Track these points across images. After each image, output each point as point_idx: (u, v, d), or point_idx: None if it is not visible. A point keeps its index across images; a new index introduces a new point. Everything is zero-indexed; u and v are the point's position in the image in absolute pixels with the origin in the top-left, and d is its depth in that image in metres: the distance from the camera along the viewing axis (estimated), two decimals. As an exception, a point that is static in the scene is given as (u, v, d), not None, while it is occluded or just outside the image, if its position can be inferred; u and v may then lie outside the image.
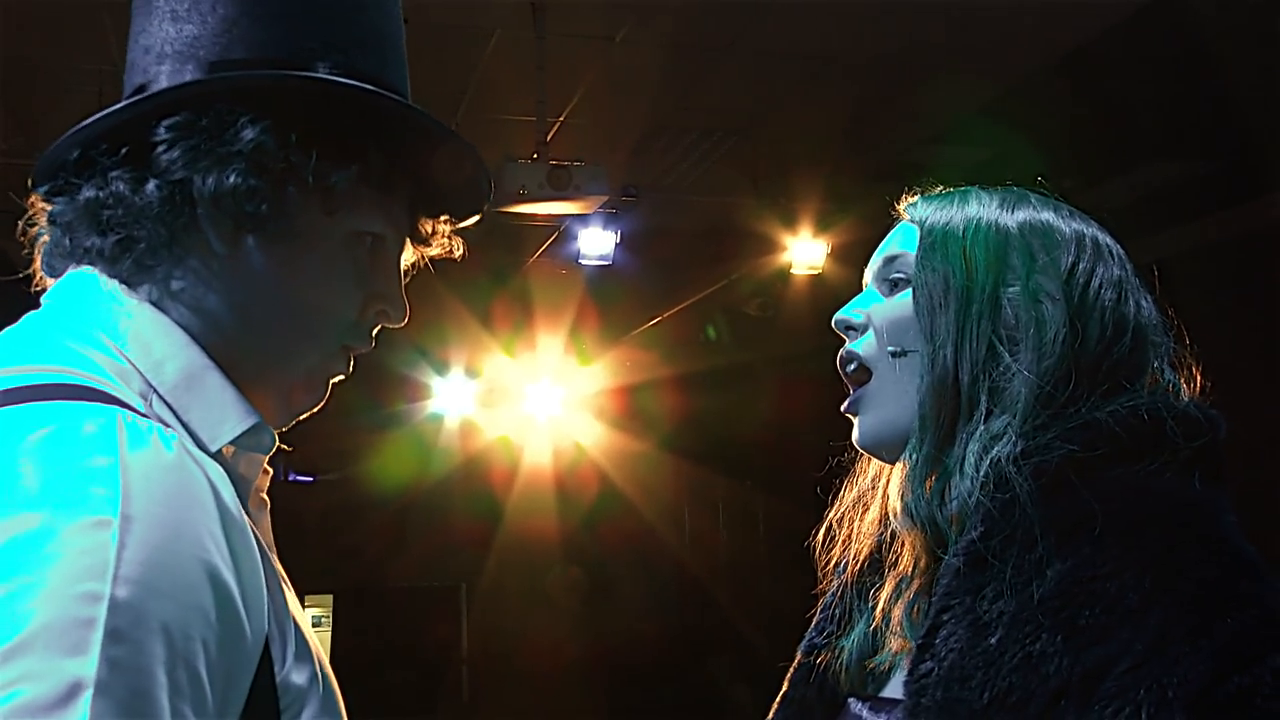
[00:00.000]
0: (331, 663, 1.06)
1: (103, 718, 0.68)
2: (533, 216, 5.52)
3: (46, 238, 1.03)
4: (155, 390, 0.93)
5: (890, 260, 1.20)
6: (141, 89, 1.01)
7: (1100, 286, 1.13)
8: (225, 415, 0.95)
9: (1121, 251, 1.19)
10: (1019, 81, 5.19)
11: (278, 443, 1.04)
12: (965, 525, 1.04)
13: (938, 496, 1.08)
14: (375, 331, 1.10)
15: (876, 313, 1.19)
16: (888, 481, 1.22)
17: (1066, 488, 1.00)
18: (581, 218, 5.70)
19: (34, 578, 0.71)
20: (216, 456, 0.93)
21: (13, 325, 0.98)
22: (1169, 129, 5.66)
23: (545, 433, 8.92)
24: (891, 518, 1.14)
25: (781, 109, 5.69)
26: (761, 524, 9.64)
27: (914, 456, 1.12)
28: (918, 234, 1.19)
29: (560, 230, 6.44)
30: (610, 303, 7.97)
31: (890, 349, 1.15)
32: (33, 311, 1.00)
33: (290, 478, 8.36)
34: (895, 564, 1.17)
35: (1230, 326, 6.53)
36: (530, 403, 8.62)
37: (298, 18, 1.02)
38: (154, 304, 0.97)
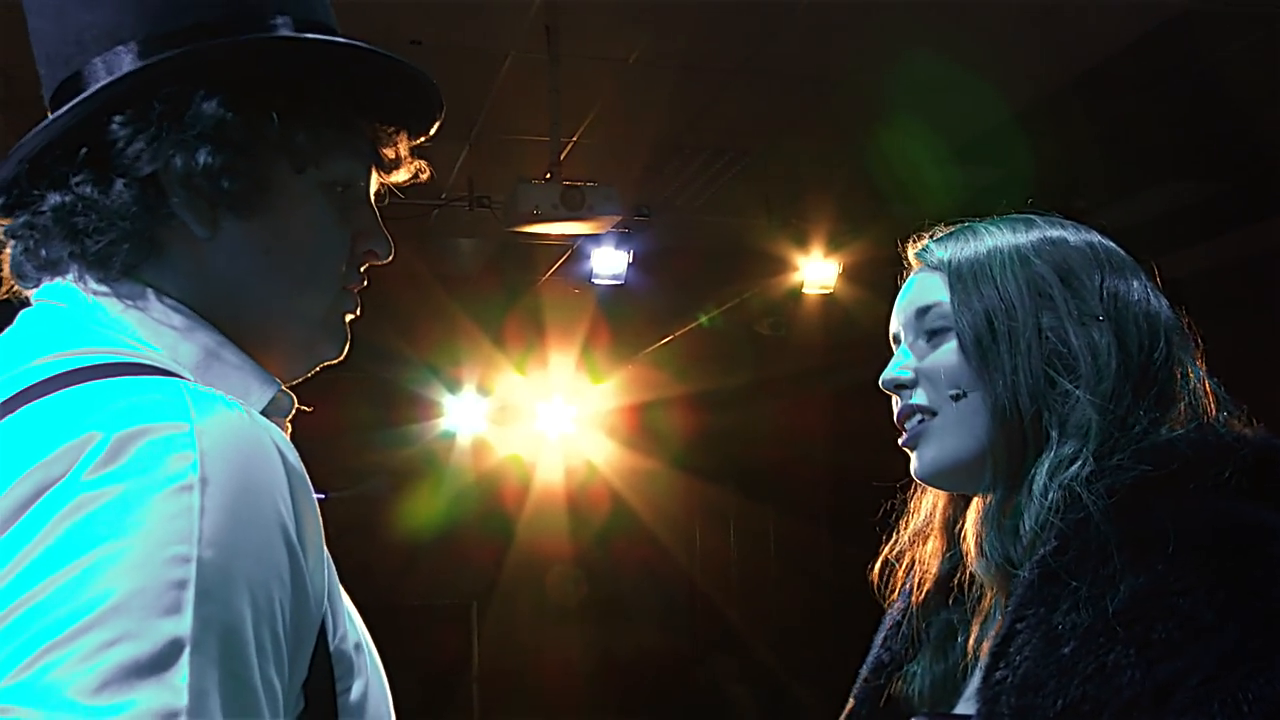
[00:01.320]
0: None
1: (201, 673, 0.69)
2: (545, 236, 5.54)
3: (9, 251, 1.00)
4: (179, 365, 0.93)
5: (924, 311, 1.21)
6: (73, 81, 0.99)
7: (1128, 295, 1.17)
8: (249, 386, 0.96)
9: (1124, 252, 1.24)
10: (1032, 102, 5.20)
11: (296, 404, 1.05)
12: (1037, 547, 1.07)
13: (1011, 535, 1.10)
14: (365, 269, 1.09)
15: (925, 365, 1.20)
16: (944, 513, 1.27)
17: (1139, 506, 1.03)
18: (594, 237, 5.71)
19: (125, 543, 0.72)
20: None
21: (6, 330, 0.97)
22: (1182, 149, 5.67)
23: (557, 451, 8.93)
24: (968, 561, 1.17)
25: (794, 130, 5.71)
26: (772, 542, 9.62)
27: (988, 499, 1.15)
28: (943, 279, 1.20)
29: (573, 249, 6.46)
30: (622, 321, 7.99)
31: (951, 392, 1.17)
32: (24, 314, 0.98)
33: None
34: (965, 592, 1.20)
35: (1244, 346, 6.51)
36: (542, 421, 8.63)
37: None
38: (149, 302, 0.96)
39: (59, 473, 0.75)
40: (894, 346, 1.27)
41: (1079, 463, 1.07)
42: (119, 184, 0.94)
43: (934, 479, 1.22)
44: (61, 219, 0.94)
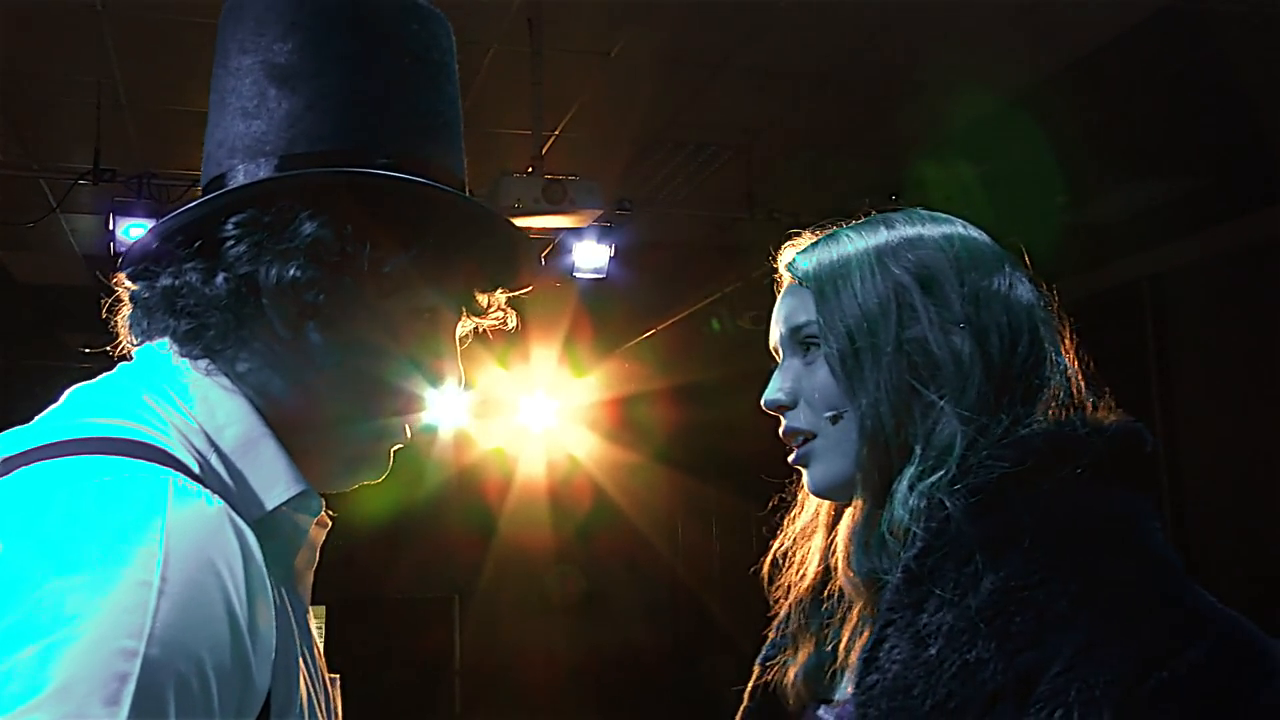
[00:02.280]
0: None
1: None
2: (527, 230, 5.54)
3: (128, 310, 1.12)
4: (217, 449, 1.01)
5: (796, 330, 1.24)
6: (217, 181, 1.10)
7: (990, 294, 1.17)
8: (276, 480, 1.03)
9: (986, 236, 1.24)
10: (1018, 95, 5.22)
11: (324, 507, 1.13)
12: (902, 554, 1.10)
13: (877, 548, 1.13)
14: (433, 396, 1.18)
15: (800, 385, 1.23)
16: (829, 510, 1.30)
17: (997, 504, 1.06)
18: (576, 231, 5.72)
19: (79, 629, 0.77)
20: (274, 513, 1.02)
21: (101, 378, 1.07)
22: (1171, 142, 5.69)
23: (539, 444, 8.93)
24: (836, 572, 1.20)
25: (777, 123, 5.72)
26: (754, 535, 9.63)
27: (856, 514, 1.18)
28: (810, 295, 1.22)
29: (554, 243, 6.46)
30: (604, 315, 7.99)
31: (828, 414, 1.19)
32: (117, 370, 1.08)
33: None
34: (838, 598, 1.24)
35: (1233, 339, 6.56)
36: (524, 414, 8.63)
37: (356, 109, 1.09)
38: (220, 379, 1.05)
39: (34, 548, 0.81)
40: (776, 359, 1.30)
41: (941, 471, 1.09)
42: (220, 277, 1.04)
43: (827, 495, 1.25)
44: (168, 297, 1.06)
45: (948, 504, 1.06)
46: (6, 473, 0.89)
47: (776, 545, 1.35)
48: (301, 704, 1.03)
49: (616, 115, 5.60)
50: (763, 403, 1.26)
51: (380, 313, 1.09)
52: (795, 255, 1.28)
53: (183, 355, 1.06)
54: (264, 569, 0.93)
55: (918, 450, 1.12)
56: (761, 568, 1.36)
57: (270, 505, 1.02)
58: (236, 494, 0.99)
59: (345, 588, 8.40)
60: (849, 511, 1.21)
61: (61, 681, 0.75)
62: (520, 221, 4.97)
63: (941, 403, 1.12)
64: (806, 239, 1.31)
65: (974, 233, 1.24)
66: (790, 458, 1.25)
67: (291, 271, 1.04)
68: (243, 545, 0.90)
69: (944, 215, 1.26)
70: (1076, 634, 0.96)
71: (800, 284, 1.24)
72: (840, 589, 1.22)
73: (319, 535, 1.17)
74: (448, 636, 9.38)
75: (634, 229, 6.34)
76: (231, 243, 1.04)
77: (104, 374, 1.07)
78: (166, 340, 1.07)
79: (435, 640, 9.24)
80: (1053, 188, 5.82)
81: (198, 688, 0.81)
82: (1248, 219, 5.99)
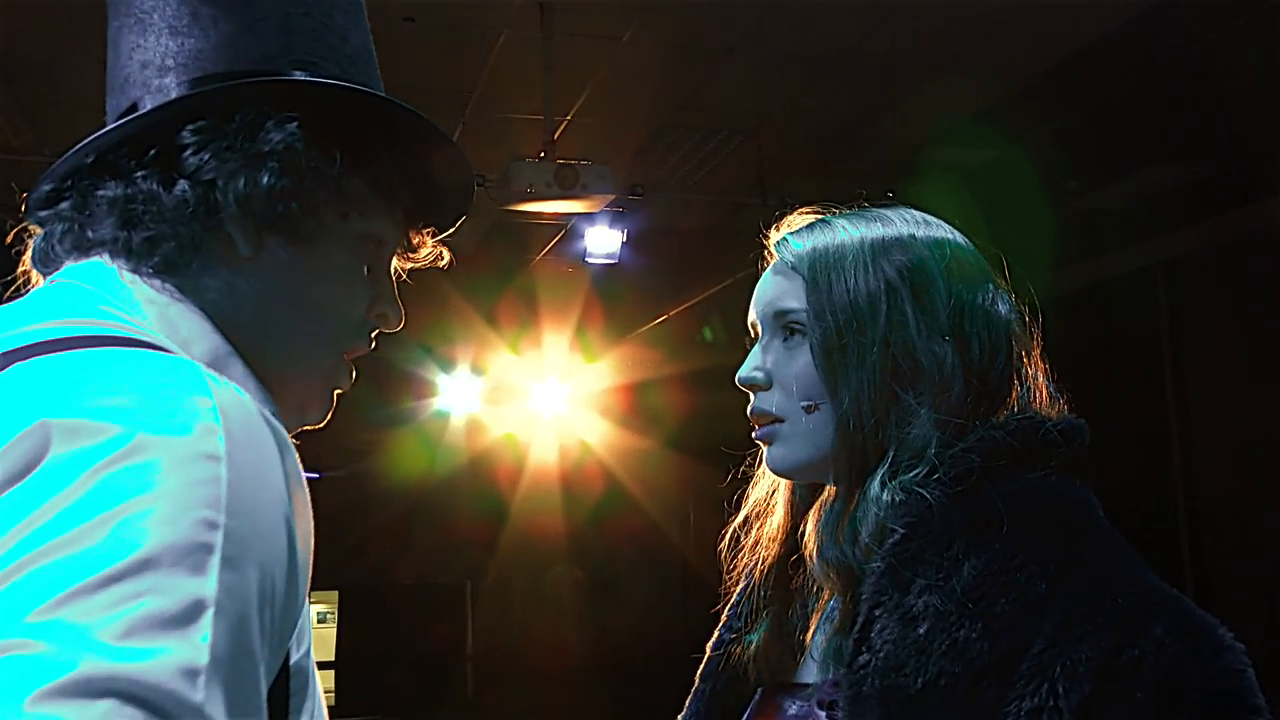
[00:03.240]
0: (336, 659, 1.08)
1: (219, 637, 0.70)
2: (539, 215, 5.54)
3: (40, 231, 1.03)
4: None
5: (782, 314, 1.25)
6: (135, 105, 1.03)
7: (974, 305, 1.20)
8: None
9: (972, 246, 1.27)
10: (1020, 84, 5.20)
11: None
12: (881, 542, 1.13)
13: (850, 540, 1.16)
14: (374, 335, 1.12)
15: (779, 368, 1.25)
16: (788, 489, 1.32)
17: (973, 493, 1.11)
18: (588, 216, 5.70)
19: (154, 500, 0.72)
20: None
21: (26, 298, 0.97)
22: (1168, 132, 5.67)
23: (551, 430, 8.93)
24: (808, 561, 1.22)
25: (787, 109, 5.70)
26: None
27: (827, 504, 1.21)
28: (800, 282, 1.24)
29: (566, 228, 6.45)
30: (616, 301, 7.98)
31: (804, 403, 1.21)
32: (40, 290, 0.99)
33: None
34: (805, 579, 1.27)
35: (1230, 330, 6.53)
36: (536, 400, 8.63)
37: (295, 35, 1.05)
38: (178, 295, 0.98)
39: (89, 426, 0.75)
40: (751, 334, 1.31)
41: (917, 469, 1.13)
42: (182, 183, 0.97)
43: (785, 475, 1.28)
44: (117, 205, 0.98)
45: (927, 495, 1.11)
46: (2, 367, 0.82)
47: (735, 521, 1.37)
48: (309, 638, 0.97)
49: (628, 100, 5.58)
50: (737, 378, 1.28)
51: (337, 234, 1.04)
52: (788, 236, 1.30)
53: (131, 270, 0.97)
54: (299, 466, 0.87)
55: (891, 451, 1.16)
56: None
57: None
58: None
59: (357, 574, 8.44)
60: (816, 505, 1.24)
61: (142, 553, 0.69)
62: (532, 206, 4.96)
63: (920, 407, 1.16)
64: (799, 219, 1.32)
65: (963, 241, 1.26)
66: (754, 434, 1.28)
67: (265, 179, 0.97)
68: (277, 436, 0.84)
69: (936, 220, 1.28)
70: (1054, 614, 1.02)
71: (791, 268, 1.26)
72: (803, 572, 1.26)
73: None
74: (459, 622, 9.40)
75: (646, 214, 6.33)
76: (191, 150, 0.97)
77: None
78: (102, 258, 0.98)
79: (446, 627, 9.26)
80: (1062, 174, 5.80)
81: (270, 573, 0.77)
82: (1263, 205, 5.95)
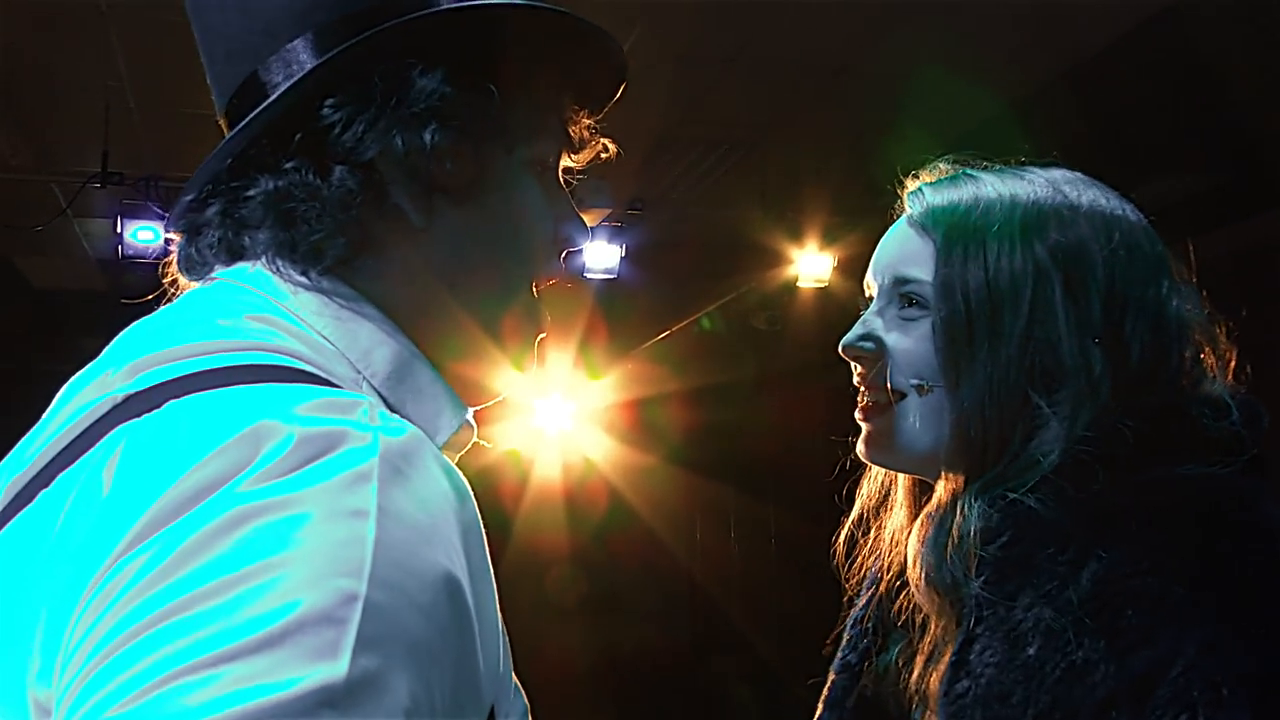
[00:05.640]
0: None
1: None
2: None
3: (182, 239, 0.91)
4: (367, 380, 0.84)
5: (903, 282, 1.08)
6: (266, 72, 0.89)
7: (1141, 303, 1.01)
8: (440, 409, 0.88)
9: (1147, 225, 1.08)
10: (1026, 94, 5.18)
11: (475, 435, 0.97)
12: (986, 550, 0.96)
13: (958, 552, 0.98)
14: (565, 258, 1.03)
15: (893, 344, 1.08)
16: (908, 483, 1.14)
17: (1097, 485, 0.93)
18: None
19: (289, 566, 0.61)
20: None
21: (173, 305, 0.87)
22: (1175, 143, 5.65)
23: (555, 447, 8.91)
24: (913, 587, 1.04)
25: (789, 122, 5.68)
26: (773, 536, 9.60)
27: (932, 516, 1.03)
28: (931, 249, 1.06)
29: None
30: (619, 316, 7.97)
31: (914, 382, 1.04)
32: (184, 299, 0.88)
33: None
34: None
35: (1237, 340, 6.48)
36: (540, 417, 8.61)
37: None
38: (350, 296, 0.87)
39: (222, 475, 0.64)
40: (865, 294, 1.14)
41: (1030, 475, 0.96)
42: (339, 170, 0.85)
43: (882, 464, 1.12)
44: (273, 205, 0.86)
45: (1030, 502, 0.94)
46: (155, 406, 0.71)
47: (850, 523, 1.19)
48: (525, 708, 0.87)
49: (628, 113, 5.56)
50: (841, 346, 1.10)
51: (506, 171, 0.92)
52: (924, 187, 1.12)
53: (300, 275, 0.86)
54: (478, 518, 0.75)
55: (1008, 456, 0.98)
56: (838, 553, 1.21)
57: (440, 440, 0.86)
58: None
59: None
60: (923, 512, 1.06)
61: (269, 629, 0.58)
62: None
63: (1054, 418, 0.97)
64: (940, 170, 1.14)
65: (1136, 219, 1.06)
66: (858, 413, 1.10)
67: (428, 138, 0.85)
68: (455, 484, 0.72)
69: (1107, 189, 1.09)
70: (1199, 628, 0.83)
71: (922, 227, 1.08)
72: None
73: None
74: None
75: (648, 229, 6.31)
76: (340, 127, 0.85)
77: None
78: (259, 263, 0.87)
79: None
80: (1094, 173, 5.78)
81: (429, 651, 0.63)
82: (1257, 219, 5.93)
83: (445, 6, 0.89)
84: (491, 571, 0.76)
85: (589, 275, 5.99)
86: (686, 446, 9.07)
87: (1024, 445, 0.98)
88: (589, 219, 5.20)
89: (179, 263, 0.92)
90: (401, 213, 0.88)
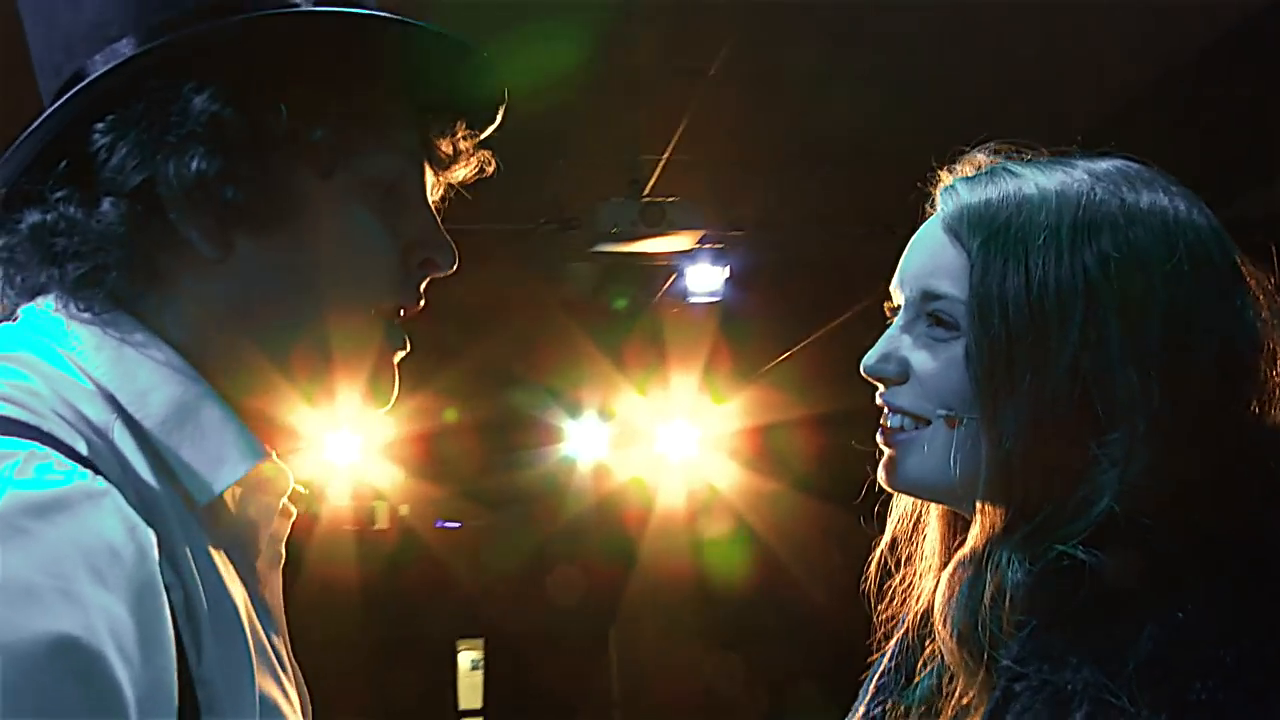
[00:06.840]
0: (486, 707, 0.88)
1: None
2: (653, 255, 5.51)
3: None
4: (137, 422, 0.79)
5: (933, 297, 0.96)
6: (68, 86, 0.83)
7: (1209, 318, 0.88)
8: (223, 454, 0.81)
9: (1218, 228, 0.92)
10: (1135, 93, 5.04)
11: (292, 483, 0.91)
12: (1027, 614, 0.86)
13: (995, 622, 0.87)
14: (424, 286, 0.94)
15: (919, 366, 0.97)
16: (944, 523, 1.05)
17: (1156, 536, 0.82)
18: (689, 254, 5.62)
19: None
20: (218, 503, 0.83)
21: None
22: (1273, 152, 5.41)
23: (678, 474, 8.89)
24: (940, 644, 0.94)
25: (885, 134, 5.63)
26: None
27: (970, 571, 0.92)
28: (964, 261, 0.93)
29: (674, 270, 6.47)
30: (741, 340, 7.93)
31: (941, 413, 0.94)
32: None
33: (438, 524, 8.63)
34: None
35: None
36: (662, 443, 8.61)
37: None
38: (133, 334, 0.82)
39: None
40: (891, 301, 1.04)
41: (1078, 525, 0.85)
42: (105, 202, 0.80)
43: (901, 490, 1.02)
44: (39, 239, 0.81)
45: (1080, 554, 0.83)
46: None
47: (878, 557, 1.08)
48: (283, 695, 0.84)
49: (723, 134, 5.58)
50: (863, 367, 1.01)
51: (324, 197, 0.85)
52: (958, 184, 1.00)
53: (81, 310, 0.81)
54: (154, 573, 0.69)
55: (1053, 502, 0.87)
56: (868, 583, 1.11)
57: (219, 487, 0.81)
58: (160, 475, 0.77)
59: (500, 622, 8.54)
60: (955, 558, 0.96)
61: None
62: (619, 247, 4.91)
63: (1105, 460, 0.85)
64: (977, 162, 1.02)
65: (1204, 222, 0.91)
66: (880, 435, 1.01)
67: (194, 164, 0.79)
68: (136, 540, 0.68)
69: (1172, 185, 0.94)
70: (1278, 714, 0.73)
71: (954, 234, 0.95)
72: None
73: (282, 527, 0.92)
74: (603, 669, 9.40)
75: (754, 249, 6.29)
76: (105, 152, 0.79)
77: None
78: (50, 298, 0.83)
79: (590, 672, 9.26)
80: (1191, 183, 5.58)
81: (19, 712, 0.59)
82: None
83: (238, 17, 0.82)
84: (165, 612, 0.69)
85: (693, 300, 5.90)
86: (812, 473, 8.97)
87: (1071, 490, 0.86)
88: (680, 242, 5.16)
89: None
90: (192, 245, 0.83)
